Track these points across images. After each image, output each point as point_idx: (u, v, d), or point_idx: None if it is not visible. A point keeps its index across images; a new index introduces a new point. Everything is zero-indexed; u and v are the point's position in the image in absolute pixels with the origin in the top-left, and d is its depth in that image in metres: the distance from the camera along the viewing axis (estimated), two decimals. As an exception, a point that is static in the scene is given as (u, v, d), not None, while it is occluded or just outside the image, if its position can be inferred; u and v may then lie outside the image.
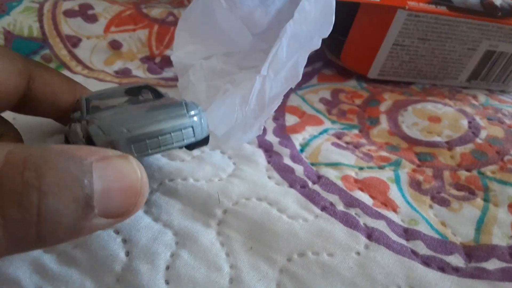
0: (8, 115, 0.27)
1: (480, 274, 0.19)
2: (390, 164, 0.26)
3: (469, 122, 0.29)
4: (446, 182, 0.25)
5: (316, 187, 0.24)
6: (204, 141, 0.21)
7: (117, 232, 0.20)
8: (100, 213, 0.15)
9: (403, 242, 0.21)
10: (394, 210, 0.23)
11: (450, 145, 0.28)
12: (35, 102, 0.23)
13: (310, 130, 0.29)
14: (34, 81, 0.23)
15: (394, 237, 0.21)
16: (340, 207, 0.23)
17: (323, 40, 0.25)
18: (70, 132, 0.23)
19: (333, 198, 0.23)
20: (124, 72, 0.35)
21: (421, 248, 0.21)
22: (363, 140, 0.29)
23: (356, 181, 0.25)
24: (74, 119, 0.21)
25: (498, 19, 0.32)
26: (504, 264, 0.20)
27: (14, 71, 0.21)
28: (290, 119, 0.30)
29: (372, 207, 0.23)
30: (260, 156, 0.26)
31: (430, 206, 0.23)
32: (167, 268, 0.19)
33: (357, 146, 0.28)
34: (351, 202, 0.23)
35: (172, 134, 0.19)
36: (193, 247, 0.20)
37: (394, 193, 0.24)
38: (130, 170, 0.16)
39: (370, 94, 0.34)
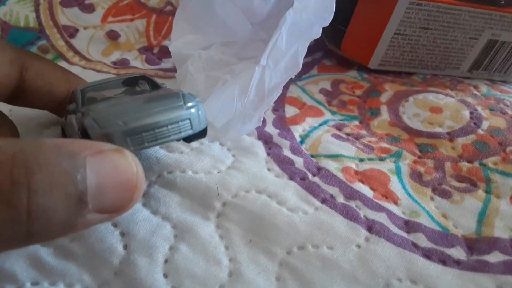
0: (5, 107, 0.26)
1: (482, 267, 0.19)
2: (391, 155, 0.26)
3: (471, 113, 0.29)
4: (448, 173, 0.25)
5: (316, 179, 0.24)
6: (202, 133, 0.21)
7: (115, 225, 0.20)
8: (95, 209, 0.14)
9: (404, 234, 0.21)
10: (395, 202, 0.23)
11: (451, 136, 0.27)
12: (29, 93, 0.23)
13: (310, 122, 0.29)
14: (27, 72, 0.22)
15: (394, 229, 0.21)
16: (340, 199, 0.22)
17: (323, 30, 0.25)
18: (66, 124, 0.22)
19: (333, 190, 0.23)
20: (122, 63, 0.35)
21: (422, 241, 0.21)
22: (363, 132, 0.28)
23: (356, 173, 0.24)
24: (70, 110, 0.21)
25: (501, 8, 0.32)
26: (506, 257, 0.20)
27: (5, 61, 0.21)
28: (290, 110, 0.30)
29: (373, 199, 0.23)
30: (260, 148, 0.26)
31: (431, 198, 0.23)
32: (166, 261, 0.19)
33: (357, 137, 0.28)
34: (351, 194, 0.23)
35: (169, 126, 0.19)
36: (192, 240, 0.20)
37: (394, 185, 0.24)
38: (125, 164, 0.15)
39: (371, 85, 0.33)
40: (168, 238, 0.20)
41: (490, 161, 0.25)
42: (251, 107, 0.24)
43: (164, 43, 0.37)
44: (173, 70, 0.33)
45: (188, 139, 0.21)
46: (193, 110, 0.20)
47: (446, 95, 0.31)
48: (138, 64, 0.35)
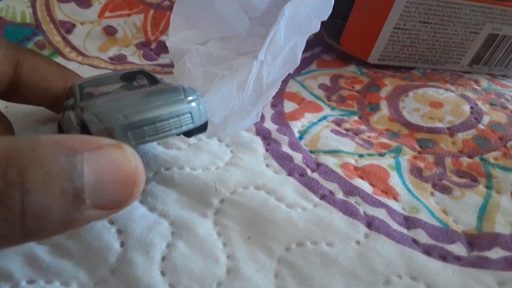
0: (1, 104, 0.26)
1: (482, 263, 0.19)
2: (391, 151, 0.26)
3: (471, 108, 0.29)
4: (448, 169, 0.25)
5: (315, 175, 0.23)
6: (203, 128, 0.21)
7: (111, 222, 0.20)
8: (93, 205, 0.14)
9: (404, 230, 0.21)
10: (395, 198, 0.22)
11: (451, 131, 0.27)
12: (24, 89, 0.23)
13: (309, 117, 0.29)
14: (22, 67, 0.22)
15: (394, 225, 0.21)
16: (340, 195, 0.22)
17: (322, 25, 0.24)
18: (64, 119, 0.22)
19: (332, 186, 0.23)
20: (119, 58, 0.34)
21: (422, 237, 0.20)
22: (363, 127, 0.28)
23: (356, 168, 0.24)
24: (68, 106, 0.21)
25: (502, 2, 0.31)
26: (507, 253, 0.19)
27: None
28: (289, 106, 0.30)
29: (372, 195, 0.22)
30: (258, 144, 0.25)
31: (432, 194, 0.23)
32: (163, 259, 0.19)
33: (357, 133, 0.27)
34: (350, 190, 0.22)
35: (170, 120, 0.19)
36: (190, 237, 0.20)
37: (394, 181, 0.24)
38: (124, 160, 0.15)
39: (371, 80, 0.33)
40: (166, 235, 0.20)
41: (490, 156, 0.25)
42: (249, 102, 0.24)
43: (161, 38, 0.36)
44: (171, 65, 0.33)
45: (188, 134, 0.20)
46: (193, 103, 0.19)
47: (446, 89, 0.31)
48: (135, 59, 0.35)
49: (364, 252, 0.19)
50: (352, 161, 0.25)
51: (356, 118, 0.29)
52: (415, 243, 0.20)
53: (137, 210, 0.21)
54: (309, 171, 0.24)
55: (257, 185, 0.22)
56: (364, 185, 0.23)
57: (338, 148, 0.25)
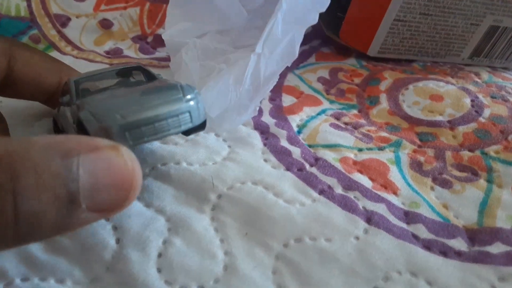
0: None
1: (483, 258, 0.19)
2: (390, 145, 0.25)
3: (472, 101, 0.28)
4: (448, 163, 0.24)
5: (314, 170, 0.23)
6: (201, 126, 0.20)
7: (107, 218, 0.20)
8: (89, 208, 0.14)
9: (404, 226, 0.20)
10: (395, 193, 0.22)
11: (452, 124, 0.27)
12: (18, 84, 0.23)
13: (307, 111, 0.28)
14: (16, 62, 0.22)
15: (394, 220, 0.20)
16: (339, 190, 0.22)
17: (321, 17, 0.24)
18: (60, 116, 0.22)
19: (331, 181, 0.22)
20: (115, 52, 0.34)
21: (422, 232, 0.20)
22: (362, 121, 0.28)
23: (355, 163, 0.24)
24: (63, 102, 0.20)
25: (504, -7, 0.31)
26: (508, 248, 0.19)
27: None
28: (287, 100, 0.29)
29: (372, 189, 0.22)
30: (256, 139, 0.25)
31: (432, 188, 0.23)
32: (159, 255, 0.19)
33: (356, 126, 0.27)
34: (349, 185, 0.22)
35: (168, 120, 0.18)
36: (186, 233, 0.19)
37: (394, 175, 0.23)
38: (121, 162, 0.15)
39: (370, 73, 0.33)
40: (162, 231, 0.19)
41: (491, 150, 0.25)
42: (247, 96, 0.24)
43: (158, 31, 0.36)
44: (168, 59, 0.32)
45: (187, 132, 0.20)
46: (192, 102, 0.19)
47: (447, 82, 0.31)
48: (131, 53, 0.34)
49: (364, 247, 0.19)
50: (351, 156, 0.24)
51: (355, 111, 0.29)
52: (415, 238, 0.20)
53: (133, 207, 0.20)
54: (307, 166, 0.23)
55: (255, 180, 0.22)
56: (363, 180, 0.23)
57: (337, 142, 0.25)
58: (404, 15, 0.31)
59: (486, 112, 0.27)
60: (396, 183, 0.23)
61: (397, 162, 0.24)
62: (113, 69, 0.23)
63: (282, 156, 0.24)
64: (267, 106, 0.28)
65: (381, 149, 0.25)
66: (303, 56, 0.35)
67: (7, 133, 0.23)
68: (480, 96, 0.29)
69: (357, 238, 0.20)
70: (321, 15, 0.24)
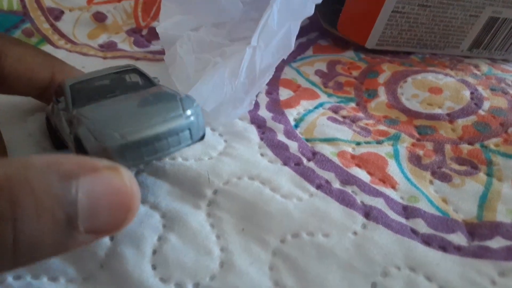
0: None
1: (483, 253, 0.19)
2: (389, 138, 0.25)
3: (471, 93, 0.28)
4: (447, 156, 0.24)
5: (311, 164, 0.23)
6: (201, 139, 0.20)
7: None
8: (86, 230, 0.14)
9: (403, 220, 0.20)
10: (393, 187, 0.22)
11: (451, 117, 0.26)
12: (9, 80, 0.22)
13: (305, 104, 0.28)
14: (6, 58, 0.21)
15: (393, 215, 0.20)
16: (336, 184, 0.22)
17: (319, 9, 0.23)
18: (54, 116, 0.21)
19: (328, 175, 0.22)
20: (109, 46, 0.33)
21: (421, 227, 0.20)
22: (360, 114, 0.27)
23: (353, 157, 0.24)
24: (60, 108, 0.20)
25: (503, -17, 0.30)
26: (509, 242, 0.19)
27: None
28: (284, 93, 0.29)
29: (370, 184, 0.22)
30: (253, 133, 0.25)
31: (431, 182, 0.22)
32: (154, 252, 0.18)
33: (354, 120, 0.27)
34: (347, 179, 0.22)
35: (168, 139, 0.18)
36: (182, 230, 0.19)
37: (393, 169, 0.23)
38: (120, 184, 0.14)
39: (368, 65, 0.32)
40: (157, 228, 0.19)
41: (491, 143, 0.24)
42: (242, 90, 0.23)
43: (153, 24, 0.35)
44: (163, 52, 0.32)
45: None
46: (192, 118, 0.19)
47: (446, 75, 0.30)
48: (126, 46, 0.34)
49: (362, 243, 0.19)
50: (349, 149, 0.24)
51: (353, 105, 0.28)
52: (414, 233, 0.20)
53: (127, 203, 0.20)
54: (305, 160, 0.23)
55: (252, 175, 0.22)
56: (361, 174, 0.22)
57: (335, 136, 0.25)
58: (403, 6, 0.31)
59: (486, 105, 0.27)
60: (394, 177, 0.22)
61: (396, 155, 0.24)
62: (109, 72, 0.22)
63: (279, 150, 0.23)
64: (263, 99, 0.28)
65: (379, 142, 0.25)
66: (300, 49, 0.34)
67: (5, 151, 0.22)
68: (480, 88, 0.28)
69: (355, 233, 0.19)
70: (318, 7, 0.23)
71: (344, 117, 0.27)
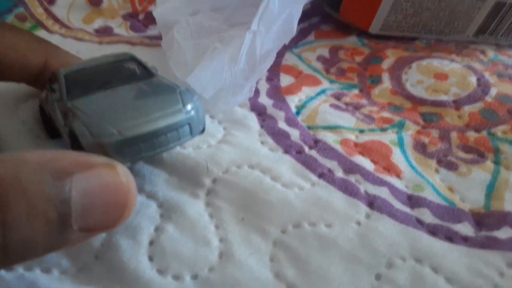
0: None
1: (491, 244, 0.18)
2: (393, 125, 0.24)
3: (478, 79, 0.27)
4: (454, 144, 0.23)
5: (313, 153, 0.22)
6: (201, 132, 0.19)
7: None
8: (81, 229, 0.13)
9: (407, 210, 0.20)
10: (398, 176, 0.21)
11: (457, 104, 0.26)
12: (2, 66, 0.22)
13: (307, 91, 0.27)
14: None
15: (397, 205, 0.20)
16: (339, 173, 0.21)
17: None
18: (48, 105, 0.21)
19: (331, 164, 0.21)
20: (105, 31, 0.33)
21: (427, 216, 0.19)
22: (363, 101, 0.27)
23: (356, 145, 0.23)
24: (53, 99, 0.19)
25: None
26: (517, 233, 0.18)
27: None
28: (285, 80, 0.28)
29: (374, 172, 0.21)
30: (253, 120, 0.24)
31: (436, 171, 0.22)
32: (151, 243, 0.18)
33: (357, 107, 0.26)
34: (350, 168, 0.21)
35: (168, 134, 0.17)
36: (180, 219, 0.19)
37: (397, 157, 0.22)
38: (116, 182, 0.14)
39: (372, 51, 0.32)
40: (154, 218, 0.19)
41: (498, 130, 0.24)
42: (242, 76, 0.23)
43: (150, 8, 0.34)
44: (161, 37, 0.31)
45: None
46: (192, 112, 0.18)
47: (452, 60, 0.29)
48: (122, 31, 0.33)
49: (365, 233, 0.18)
50: (353, 137, 0.23)
51: (356, 91, 0.28)
52: (419, 223, 0.19)
53: (123, 192, 0.19)
54: (306, 148, 0.22)
55: (252, 163, 0.21)
56: (365, 162, 0.22)
57: (338, 123, 0.24)
58: (408, -10, 0.30)
59: (493, 91, 0.26)
60: (399, 165, 0.22)
61: (400, 143, 0.23)
62: (105, 61, 0.21)
63: (280, 138, 0.23)
64: (264, 86, 0.27)
65: (383, 130, 0.24)
66: (302, 34, 0.34)
67: None
68: (486, 74, 0.28)
69: (358, 223, 0.19)
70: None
71: (347, 104, 0.26)
